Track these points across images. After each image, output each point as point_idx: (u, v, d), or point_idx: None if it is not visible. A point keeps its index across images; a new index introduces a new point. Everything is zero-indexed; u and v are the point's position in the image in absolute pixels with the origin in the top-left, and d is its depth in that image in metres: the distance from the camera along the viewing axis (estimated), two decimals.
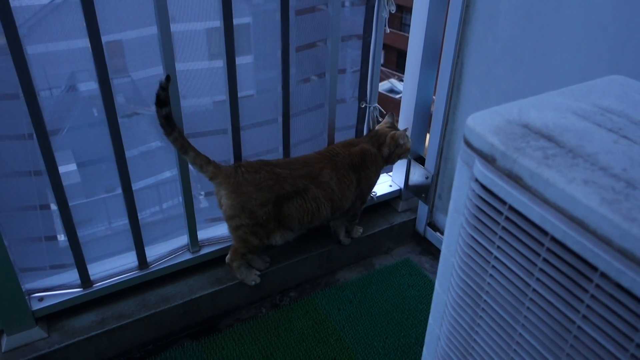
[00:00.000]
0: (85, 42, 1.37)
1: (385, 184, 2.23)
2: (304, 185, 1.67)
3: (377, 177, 1.93)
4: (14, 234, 1.50)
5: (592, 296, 0.66)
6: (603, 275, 0.63)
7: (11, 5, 1.22)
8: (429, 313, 1.09)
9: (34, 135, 1.39)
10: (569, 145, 0.75)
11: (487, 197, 0.78)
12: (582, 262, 0.65)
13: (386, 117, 1.98)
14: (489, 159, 0.77)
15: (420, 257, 2.16)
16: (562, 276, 0.69)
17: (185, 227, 1.78)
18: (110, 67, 1.41)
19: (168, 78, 1.47)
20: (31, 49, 1.31)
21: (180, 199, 1.73)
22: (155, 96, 1.47)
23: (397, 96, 13.74)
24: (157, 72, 1.52)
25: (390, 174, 2.28)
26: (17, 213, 1.50)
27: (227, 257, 1.75)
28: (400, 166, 2.16)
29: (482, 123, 0.80)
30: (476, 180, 0.80)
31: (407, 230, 2.21)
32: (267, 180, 1.62)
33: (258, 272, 1.83)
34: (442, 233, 2.11)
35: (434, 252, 2.17)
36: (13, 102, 1.36)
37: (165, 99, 1.49)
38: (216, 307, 1.82)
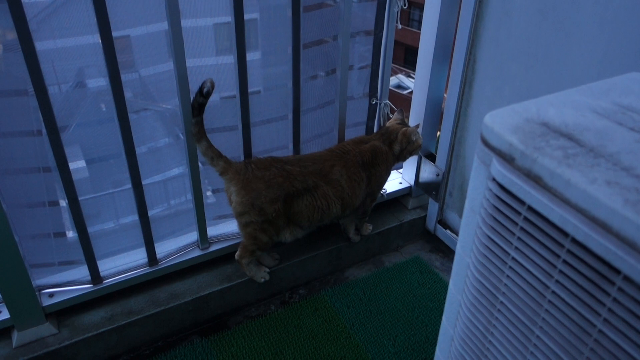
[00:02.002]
0: (93, 38, 1.36)
1: (395, 181, 2.22)
2: (314, 182, 1.66)
3: (388, 175, 1.91)
4: (24, 230, 1.50)
5: (615, 299, 0.64)
6: (626, 278, 0.62)
7: (22, 0, 1.21)
8: (439, 311, 1.08)
9: (43, 132, 1.39)
10: (589, 145, 0.73)
11: (505, 197, 0.76)
12: (605, 264, 0.64)
13: (396, 113, 1.96)
14: (507, 158, 0.76)
15: (430, 254, 2.15)
16: (583, 279, 0.67)
17: (195, 223, 1.77)
18: (119, 63, 1.40)
19: (213, 86, 1.51)
20: (40, 45, 1.30)
21: (190, 195, 1.73)
22: (199, 97, 1.52)
23: (405, 92, 13.69)
24: (166, 68, 1.51)
25: (401, 171, 2.26)
26: (26, 209, 1.50)
27: (237, 253, 1.75)
28: (410, 163, 2.14)
29: (500, 121, 0.79)
30: (494, 179, 0.78)
31: (417, 227, 2.19)
32: (277, 177, 1.61)
33: (267, 270, 1.83)
34: (452, 231, 2.09)
35: (444, 250, 2.15)
36: (22, 98, 1.35)
37: (207, 97, 1.53)
38: (225, 304, 1.82)
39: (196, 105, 1.53)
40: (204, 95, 1.50)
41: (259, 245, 1.70)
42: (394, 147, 1.85)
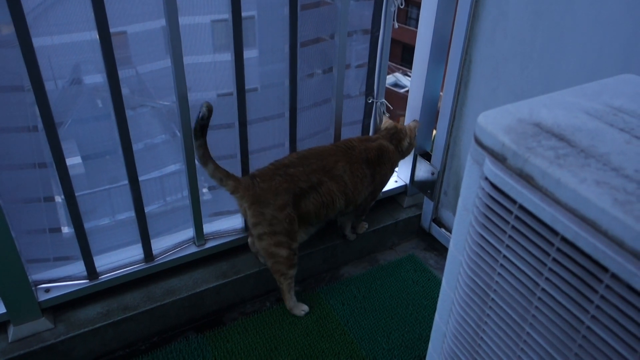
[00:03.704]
0: (90, 34, 1.36)
1: (391, 180, 2.23)
2: (318, 179, 1.69)
3: (392, 174, 1.96)
4: (20, 226, 1.50)
5: (602, 297, 0.66)
6: (614, 276, 0.63)
7: None
8: (433, 309, 1.09)
9: (39, 127, 1.39)
10: (580, 145, 0.74)
11: (497, 196, 0.78)
12: (593, 262, 0.65)
13: (384, 118, 2.02)
14: (499, 158, 0.77)
15: (425, 253, 2.16)
16: (571, 276, 0.69)
17: (191, 220, 1.78)
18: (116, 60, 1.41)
19: (210, 109, 1.50)
20: (36, 41, 1.30)
21: (186, 192, 1.73)
22: (198, 119, 1.51)
23: (402, 90, 13.70)
24: (163, 65, 1.51)
25: (396, 169, 2.27)
26: (22, 205, 1.51)
27: (276, 281, 1.78)
28: (406, 162, 2.15)
29: (493, 122, 0.80)
30: (486, 178, 0.79)
31: (412, 226, 2.21)
32: (282, 184, 1.64)
33: (306, 307, 1.85)
34: (447, 229, 2.11)
35: (438, 249, 2.17)
36: (18, 94, 1.36)
37: (207, 120, 1.52)
38: (221, 300, 1.83)
39: (198, 128, 1.53)
40: (202, 119, 1.51)
41: (282, 262, 1.70)
42: (403, 143, 1.91)
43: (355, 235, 2.03)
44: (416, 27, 1.91)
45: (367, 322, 1.82)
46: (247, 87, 1.66)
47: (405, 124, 2.06)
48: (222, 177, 1.62)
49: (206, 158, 1.59)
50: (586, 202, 0.65)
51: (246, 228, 1.90)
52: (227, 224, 1.89)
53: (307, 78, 1.81)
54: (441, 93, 1.95)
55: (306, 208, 1.68)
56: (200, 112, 1.49)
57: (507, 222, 0.77)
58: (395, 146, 1.89)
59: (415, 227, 2.22)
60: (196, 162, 1.68)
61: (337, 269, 2.06)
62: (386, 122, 1.97)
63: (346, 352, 1.71)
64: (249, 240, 1.85)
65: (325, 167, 1.71)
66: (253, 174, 1.67)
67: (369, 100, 2.02)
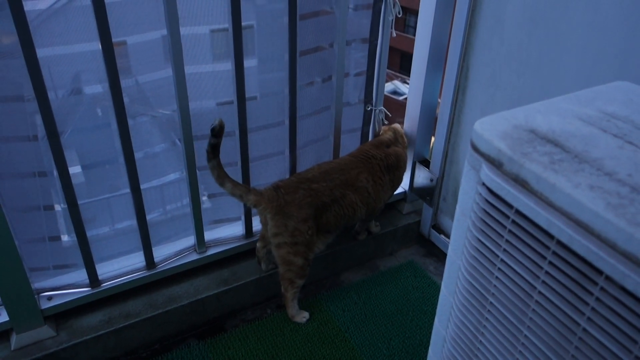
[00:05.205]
0: (91, 45, 1.37)
1: None
2: (341, 193, 1.73)
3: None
4: (21, 234, 1.51)
5: (597, 299, 0.67)
6: (608, 278, 0.65)
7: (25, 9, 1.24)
8: (433, 315, 1.10)
9: (39, 137, 1.41)
10: (574, 151, 0.76)
11: (494, 201, 0.79)
12: (588, 265, 0.67)
13: (382, 129, 2.07)
14: (496, 164, 0.79)
15: (425, 259, 2.17)
16: (567, 279, 0.70)
17: (192, 227, 1.79)
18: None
19: (221, 125, 1.49)
20: (38, 51, 1.31)
21: (187, 200, 1.75)
22: (210, 135, 1.50)
23: (401, 98, 13.74)
24: (163, 74, 1.53)
25: None
26: (22, 213, 1.52)
27: (282, 288, 1.78)
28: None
29: (489, 128, 0.82)
30: (483, 184, 0.81)
31: (412, 232, 2.22)
32: (306, 198, 1.66)
33: (307, 314, 1.85)
34: (446, 235, 2.12)
35: (438, 255, 2.18)
36: (18, 104, 1.37)
37: (218, 137, 1.51)
38: (222, 307, 1.83)
39: (209, 149, 1.54)
40: (214, 134, 1.50)
41: (295, 271, 1.72)
42: (405, 139, 2.03)
43: (367, 234, 2.09)
44: (414, 35, 1.94)
45: (368, 328, 1.83)
46: (247, 95, 1.68)
47: (406, 129, 2.09)
48: (242, 193, 1.63)
49: (222, 178, 1.60)
50: (580, 205, 0.67)
51: (248, 234, 1.91)
52: (227, 231, 1.90)
53: (306, 86, 1.83)
54: (439, 100, 1.97)
55: (327, 220, 1.72)
56: (212, 125, 1.48)
57: (504, 227, 0.78)
58: (402, 145, 1.99)
59: (415, 234, 2.24)
60: (197, 170, 1.70)
61: (338, 276, 2.07)
62: (384, 130, 2.01)
63: (347, 358, 1.71)
64: (258, 245, 1.85)
65: (348, 181, 1.75)
66: (277, 185, 1.69)
67: (368, 107, 2.04)
